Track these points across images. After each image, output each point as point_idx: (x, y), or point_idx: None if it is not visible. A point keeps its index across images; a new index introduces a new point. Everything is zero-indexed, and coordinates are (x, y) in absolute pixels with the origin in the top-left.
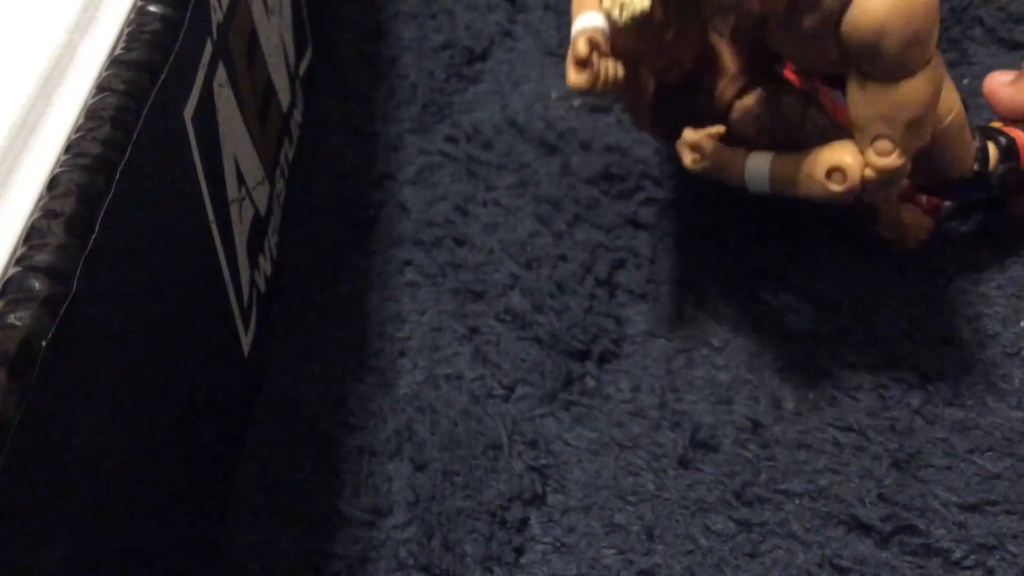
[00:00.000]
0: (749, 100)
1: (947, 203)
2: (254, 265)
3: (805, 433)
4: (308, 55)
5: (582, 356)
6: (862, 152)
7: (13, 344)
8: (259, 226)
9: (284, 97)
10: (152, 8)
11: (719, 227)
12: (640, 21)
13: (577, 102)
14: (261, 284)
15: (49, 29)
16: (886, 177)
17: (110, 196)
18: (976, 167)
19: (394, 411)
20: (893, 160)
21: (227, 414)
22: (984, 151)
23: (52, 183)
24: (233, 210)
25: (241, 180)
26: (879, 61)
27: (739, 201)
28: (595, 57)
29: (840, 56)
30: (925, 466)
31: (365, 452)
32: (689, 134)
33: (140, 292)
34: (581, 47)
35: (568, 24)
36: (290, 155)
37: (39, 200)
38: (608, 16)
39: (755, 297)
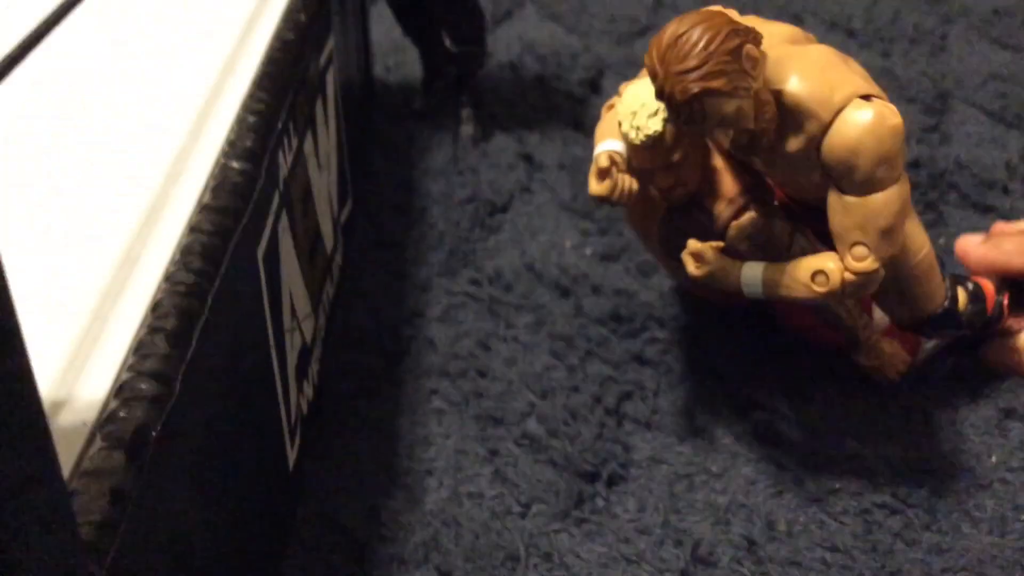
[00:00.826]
0: (744, 221)
1: (924, 343)
2: (300, 389)
3: (796, 552)
4: (349, 205)
5: (592, 478)
6: (841, 259)
7: (127, 433)
8: (305, 354)
9: (328, 242)
10: (234, 164)
11: (718, 364)
12: (653, 142)
13: (589, 251)
14: (304, 407)
15: (146, 177)
16: (863, 279)
17: (204, 317)
18: (947, 304)
19: (422, 524)
20: (869, 264)
21: (272, 519)
22: (954, 292)
23: (155, 306)
24: (287, 338)
25: (294, 312)
26: (854, 176)
27: (736, 341)
28: (614, 171)
29: (821, 179)
30: None
31: (395, 560)
32: (693, 244)
33: (217, 399)
34: (603, 160)
35: (581, 183)
36: (331, 293)
37: (144, 319)
38: (626, 137)
39: (750, 428)
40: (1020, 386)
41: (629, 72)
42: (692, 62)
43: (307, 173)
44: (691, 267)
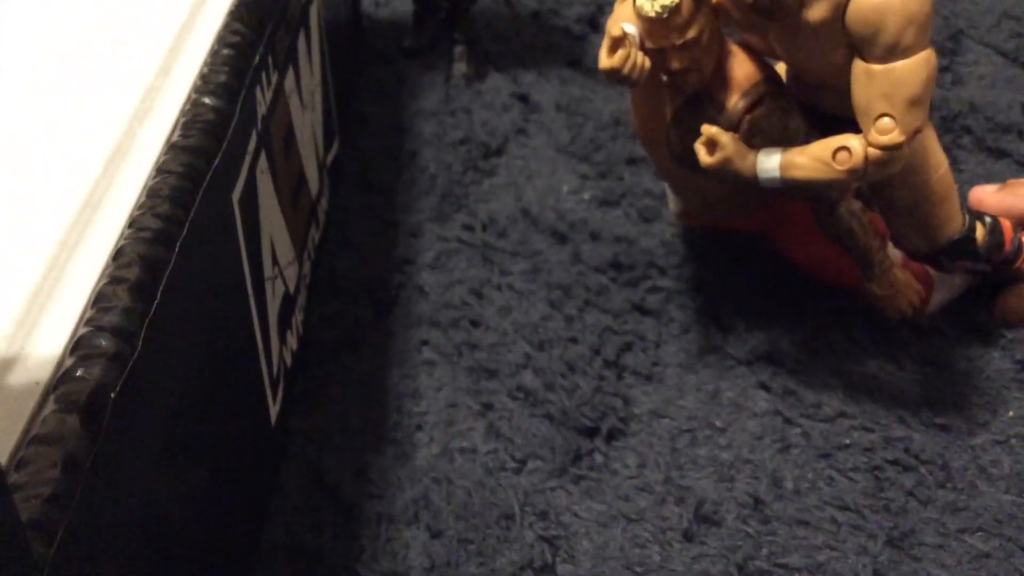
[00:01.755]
0: (758, 114)
1: (935, 293)
2: (283, 340)
3: (804, 511)
4: (335, 147)
5: (591, 433)
6: (865, 135)
7: (83, 395)
8: (288, 304)
9: (313, 185)
10: (206, 100)
11: (722, 314)
12: (669, 14)
13: (587, 195)
14: (288, 359)
15: (111, 116)
16: (887, 155)
17: (170, 266)
18: (965, 231)
19: (411, 481)
20: (895, 136)
21: (254, 478)
22: (972, 223)
23: (117, 254)
24: (268, 287)
25: (275, 260)
26: (881, 39)
27: (742, 290)
28: (627, 42)
29: (844, 56)
30: (918, 544)
31: (384, 519)
32: (707, 129)
33: (189, 355)
34: (615, 29)
35: (579, 125)
36: (316, 239)
37: (105, 268)
38: (640, 11)
39: (755, 381)
40: None
41: None
42: None
43: (288, 111)
44: (704, 155)
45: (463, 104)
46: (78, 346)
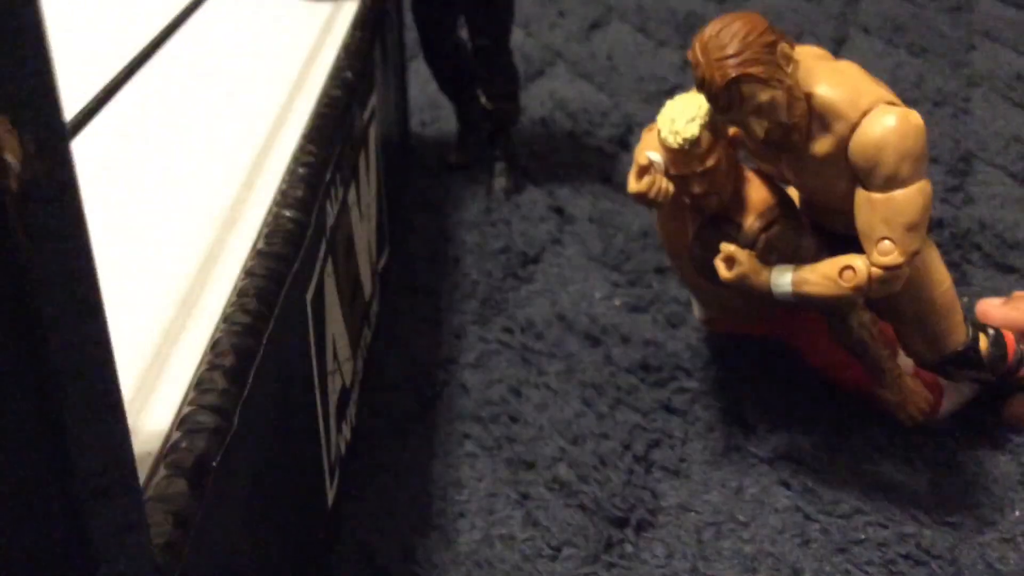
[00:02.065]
0: (773, 233)
1: (945, 403)
2: (339, 430)
3: None
4: (386, 253)
5: (621, 523)
6: (868, 256)
7: (189, 462)
8: (344, 396)
9: (367, 289)
10: (286, 213)
11: (745, 415)
12: (689, 146)
13: (617, 302)
14: (342, 447)
15: (205, 224)
16: (889, 274)
17: (259, 356)
18: (969, 342)
19: (455, 565)
20: (895, 258)
21: (312, 556)
22: (976, 334)
23: (214, 344)
24: (329, 380)
25: (335, 355)
26: (879, 172)
27: (763, 392)
28: (653, 170)
29: (847, 185)
30: None
31: None
32: (726, 247)
33: (269, 435)
34: (643, 158)
35: (611, 236)
36: (368, 338)
37: (204, 357)
38: (664, 142)
39: (777, 479)
40: None
41: None
42: (731, 50)
43: (350, 222)
44: (723, 271)
45: (503, 216)
46: (183, 422)
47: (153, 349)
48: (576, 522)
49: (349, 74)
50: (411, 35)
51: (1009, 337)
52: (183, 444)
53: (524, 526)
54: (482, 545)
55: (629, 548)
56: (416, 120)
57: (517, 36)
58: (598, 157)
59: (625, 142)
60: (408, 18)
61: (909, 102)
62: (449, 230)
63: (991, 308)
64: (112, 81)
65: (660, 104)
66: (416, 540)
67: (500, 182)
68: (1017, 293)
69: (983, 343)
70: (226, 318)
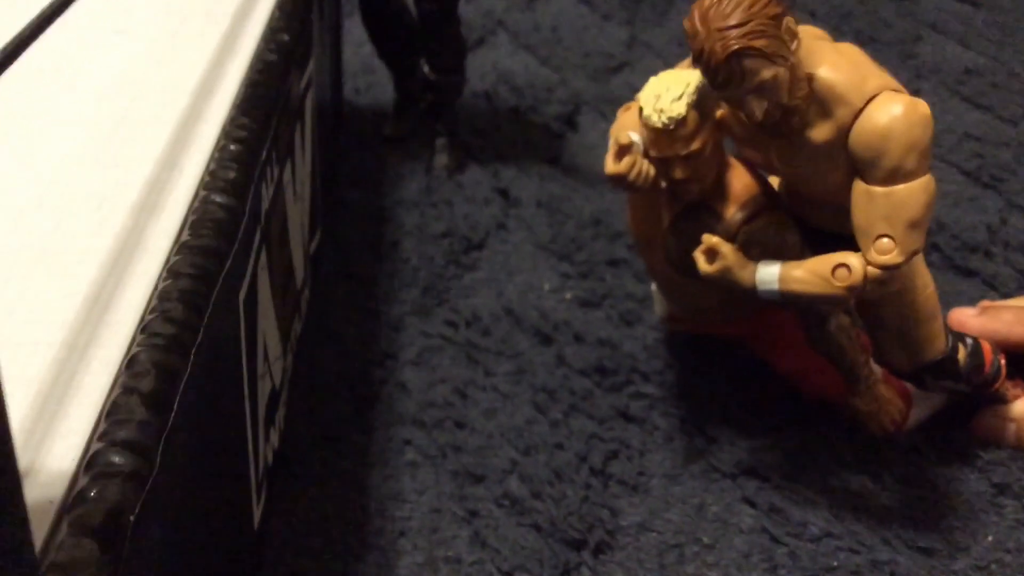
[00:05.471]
0: (755, 226)
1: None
2: (267, 438)
3: None
4: (319, 235)
5: (579, 545)
6: (864, 254)
7: (99, 518)
8: (274, 399)
9: (299, 275)
10: (216, 198)
11: (704, 424)
12: (675, 126)
13: (568, 295)
14: (270, 457)
15: (117, 211)
16: (886, 275)
17: (186, 376)
18: (947, 352)
19: None
20: (894, 257)
21: None
22: (955, 344)
23: (130, 362)
24: (259, 384)
25: (266, 356)
26: (883, 163)
27: (724, 400)
28: (634, 149)
29: (843, 177)
30: None
31: None
32: (708, 239)
33: (191, 465)
34: (623, 137)
35: (559, 222)
36: (299, 330)
37: (117, 377)
38: (647, 121)
39: (740, 496)
40: (1012, 459)
41: (607, 109)
42: (734, 19)
43: (285, 204)
44: (704, 264)
45: (444, 196)
46: (92, 464)
47: (53, 368)
48: (529, 544)
49: (285, 36)
50: None
51: (987, 347)
52: (91, 493)
53: (472, 547)
54: (425, 569)
55: (586, 573)
56: (349, 87)
57: None
58: (544, 136)
59: (573, 121)
60: None
61: None
62: (386, 210)
63: (968, 318)
64: (17, 37)
65: (608, 82)
66: (350, 563)
67: (441, 159)
68: (990, 303)
69: (961, 353)
70: (144, 328)
